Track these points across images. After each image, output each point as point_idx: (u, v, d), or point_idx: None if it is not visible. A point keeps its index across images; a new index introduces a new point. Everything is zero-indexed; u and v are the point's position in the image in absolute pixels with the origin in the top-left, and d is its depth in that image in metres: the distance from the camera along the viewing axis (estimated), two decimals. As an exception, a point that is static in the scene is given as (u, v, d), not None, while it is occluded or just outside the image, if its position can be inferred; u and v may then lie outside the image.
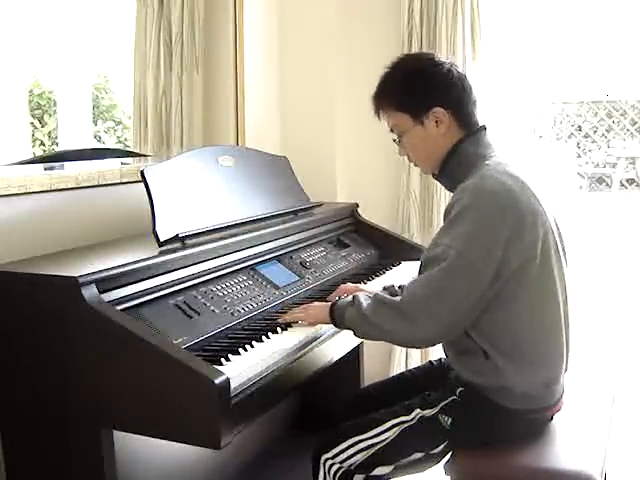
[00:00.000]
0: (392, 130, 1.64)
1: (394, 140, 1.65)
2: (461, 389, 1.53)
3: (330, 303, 1.58)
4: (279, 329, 1.55)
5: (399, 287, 1.84)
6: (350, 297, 1.54)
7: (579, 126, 8.73)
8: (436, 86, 1.56)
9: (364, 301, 1.50)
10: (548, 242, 1.47)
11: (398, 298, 1.46)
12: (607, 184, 8.55)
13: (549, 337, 1.50)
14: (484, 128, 1.59)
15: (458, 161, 1.56)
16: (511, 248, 1.40)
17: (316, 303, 1.68)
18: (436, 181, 1.69)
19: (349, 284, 1.85)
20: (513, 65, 2.76)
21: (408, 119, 1.58)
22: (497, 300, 1.43)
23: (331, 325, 1.58)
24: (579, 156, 8.65)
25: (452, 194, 1.53)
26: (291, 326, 1.59)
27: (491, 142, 1.59)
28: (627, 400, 2.73)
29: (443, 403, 1.53)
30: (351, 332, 1.54)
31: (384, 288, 1.86)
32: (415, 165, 1.70)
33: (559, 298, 1.49)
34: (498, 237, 1.39)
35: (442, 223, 1.52)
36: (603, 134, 8.71)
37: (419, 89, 1.57)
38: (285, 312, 1.66)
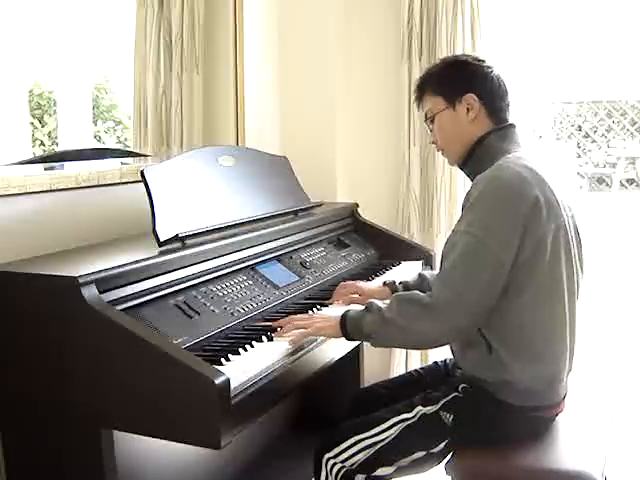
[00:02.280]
0: (426, 116, 1.68)
1: (425, 123, 1.69)
2: (464, 385, 1.53)
3: (339, 315, 1.53)
4: (279, 329, 1.54)
5: (400, 283, 1.85)
6: (362, 306, 1.52)
7: (579, 126, 8.74)
8: (473, 75, 1.61)
9: (382, 305, 1.48)
10: (559, 238, 1.47)
11: (425, 295, 1.44)
12: (607, 184, 8.56)
13: (553, 334, 1.49)
14: (513, 126, 1.62)
15: (483, 152, 1.58)
16: (527, 236, 1.41)
17: (323, 314, 1.65)
18: (461, 172, 1.71)
19: (348, 282, 1.85)
20: (513, 65, 2.76)
21: (441, 101, 1.62)
22: (506, 291, 1.43)
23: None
24: (579, 156, 8.65)
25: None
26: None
27: (519, 141, 1.60)
28: (628, 401, 2.73)
29: (445, 400, 1.53)
30: (368, 343, 1.51)
31: (384, 284, 1.86)
32: (442, 154, 1.71)
33: (564, 296, 1.49)
34: (515, 224, 1.41)
35: (454, 218, 1.53)
36: (603, 134, 8.72)
37: (457, 75, 1.63)
38: (285, 313, 1.64)
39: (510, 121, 1.62)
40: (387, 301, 1.50)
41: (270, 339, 1.48)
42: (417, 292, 1.48)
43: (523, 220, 1.41)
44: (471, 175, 1.62)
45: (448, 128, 1.63)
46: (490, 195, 1.44)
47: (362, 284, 1.86)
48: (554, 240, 1.46)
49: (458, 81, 1.61)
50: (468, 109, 1.59)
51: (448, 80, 1.63)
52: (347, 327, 1.51)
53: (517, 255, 1.41)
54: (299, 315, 1.60)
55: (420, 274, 1.86)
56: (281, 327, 1.54)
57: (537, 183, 1.45)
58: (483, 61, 1.65)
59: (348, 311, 1.53)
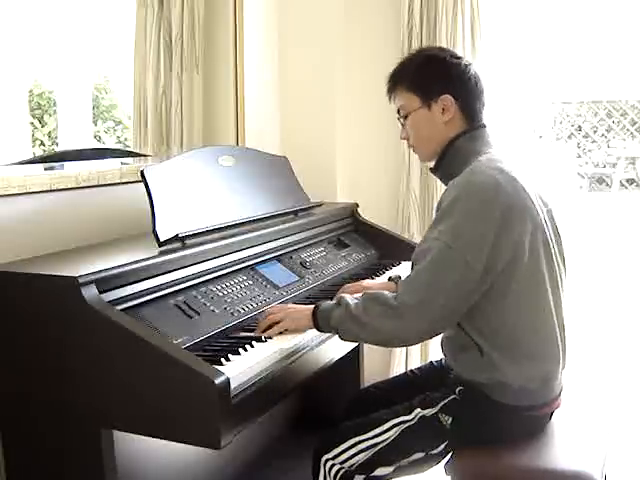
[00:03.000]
0: (399, 112, 1.66)
1: (398, 119, 1.67)
2: (460, 388, 1.53)
3: (312, 306, 1.54)
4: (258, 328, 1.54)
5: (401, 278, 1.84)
6: (335, 299, 1.52)
7: (579, 126, 8.74)
8: (451, 75, 1.59)
9: (351, 301, 1.48)
10: (537, 238, 1.47)
11: (390, 294, 1.46)
12: (607, 184, 8.55)
13: (541, 332, 1.50)
14: (483, 126, 1.61)
15: (453, 155, 1.58)
16: (501, 241, 1.41)
17: (294, 305, 1.65)
18: (434, 176, 1.70)
19: (353, 283, 1.85)
20: (513, 65, 2.76)
21: (417, 100, 1.60)
22: (489, 294, 1.44)
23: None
24: (579, 156, 8.65)
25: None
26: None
27: (491, 141, 1.60)
28: (627, 400, 2.73)
29: (443, 402, 1.53)
30: (336, 336, 1.52)
31: (389, 279, 1.86)
32: (413, 151, 1.70)
33: (548, 294, 1.50)
34: (486, 229, 1.40)
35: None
36: (603, 134, 8.71)
37: (434, 73, 1.60)
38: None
39: (481, 122, 1.61)
40: (358, 295, 1.51)
41: (270, 338, 1.49)
42: (385, 292, 1.47)
43: (496, 226, 1.40)
44: (443, 179, 1.64)
45: (421, 127, 1.62)
46: (462, 202, 1.43)
47: (367, 283, 1.86)
48: (532, 240, 1.46)
49: (435, 81, 1.59)
50: (444, 109, 1.58)
51: (425, 79, 1.60)
52: (317, 319, 1.52)
53: (493, 259, 1.40)
54: (274, 306, 1.62)
55: None
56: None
57: (510, 186, 1.45)
58: (460, 59, 1.62)
59: (321, 303, 1.54)
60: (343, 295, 1.52)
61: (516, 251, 1.43)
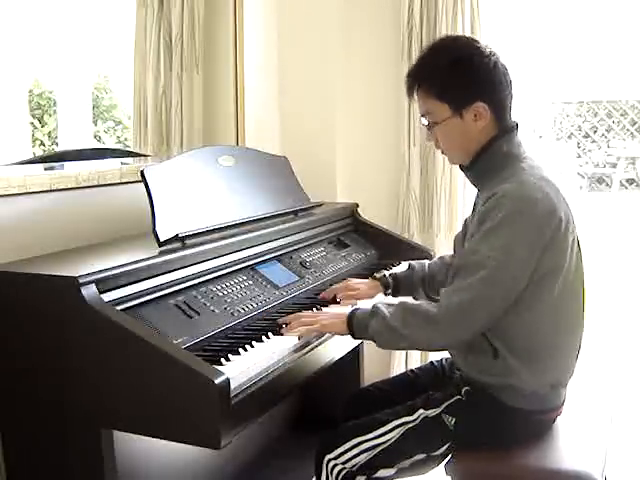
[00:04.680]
0: (424, 115, 1.56)
1: (424, 125, 1.58)
2: (466, 388, 1.53)
3: (347, 313, 1.53)
4: (285, 326, 1.54)
5: (390, 275, 1.84)
6: (369, 307, 1.51)
7: (579, 126, 8.73)
8: (482, 80, 1.49)
9: (386, 310, 1.46)
10: (574, 250, 1.48)
11: (431, 307, 1.44)
12: (607, 184, 8.55)
13: (567, 339, 1.51)
14: (517, 127, 1.56)
15: (490, 158, 1.52)
16: (546, 255, 1.41)
17: (328, 311, 1.65)
18: (462, 172, 1.63)
19: (338, 285, 1.84)
20: (513, 65, 2.75)
21: (447, 109, 1.51)
22: (520, 302, 1.43)
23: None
24: (579, 156, 8.64)
25: (482, 193, 1.52)
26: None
27: (521, 141, 1.56)
28: (628, 401, 2.73)
29: (447, 403, 1.53)
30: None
31: (374, 278, 1.86)
32: (442, 153, 1.62)
33: (580, 301, 1.51)
34: (536, 246, 1.40)
35: (472, 221, 1.51)
36: (603, 134, 8.71)
37: (465, 81, 1.49)
38: (285, 313, 1.64)
39: (513, 120, 1.56)
40: (391, 300, 1.50)
41: (267, 337, 1.48)
42: (423, 303, 1.48)
43: (546, 241, 1.40)
44: (476, 181, 1.59)
45: (454, 136, 1.54)
46: (516, 218, 1.40)
47: (352, 282, 1.85)
48: (571, 253, 1.46)
49: (466, 88, 1.49)
50: (476, 115, 1.50)
51: (454, 88, 1.49)
52: (354, 327, 1.51)
53: (535, 271, 1.41)
54: (306, 312, 1.61)
55: (410, 265, 1.86)
56: (286, 324, 1.54)
57: (557, 198, 1.44)
58: (488, 56, 1.50)
59: (356, 309, 1.53)
60: (378, 305, 1.49)
61: (558, 264, 1.44)
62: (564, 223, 1.43)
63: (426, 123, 1.57)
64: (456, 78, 1.49)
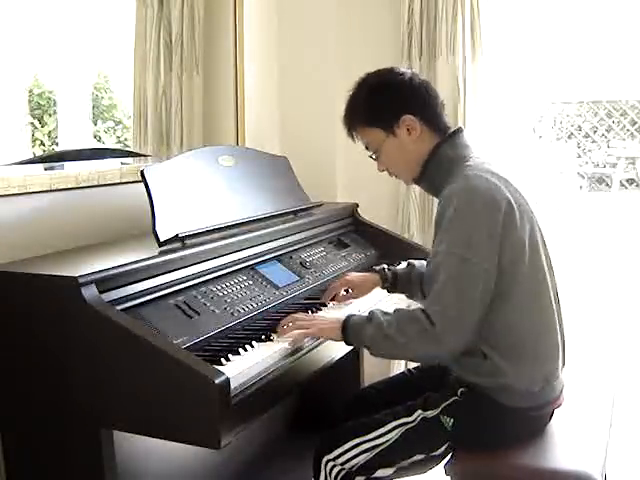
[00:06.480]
0: (367, 148, 1.66)
1: (370, 156, 1.66)
2: (462, 389, 1.53)
3: (341, 319, 1.52)
4: (281, 328, 1.54)
5: (389, 269, 1.84)
6: (366, 313, 1.51)
7: (579, 126, 8.73)
8: (400, 94, 1.58)
9: (382, 318, 1.46)
10: (535, 238, 1.49)
11: (421, 313, 1.42)
12: (607, 184, 8.55)
13: (544, 333, 1.50)
14: (460, 130, 1.61)
15: (438, 165, 1.58)
16: (505, 241, 1.42)
17: (323, 315, 1.65)
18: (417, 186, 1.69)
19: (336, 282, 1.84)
20: (513, 65, 2.76)
21: (380, 132, 1.60)
22: (497, 297, 1.44)
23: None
24: (579, 156, 8.65)
25: (438, 199, 1.54)
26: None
27: (469, 143, 1.60)
28: (628, 400, 2.73)
29: (445, 404, 1.53)
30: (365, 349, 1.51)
31: (374, 270, 1.86)
32: (396, 177, 1.70)
33: (550, 293, 1.51)
34: (494, 231, 1.41)
35: (433, 230, 1.53)
36: (603, 134, 8.71)
37: (385, 101, 1.58)
38: (285, 313, 1.64)
39: (454, 126, 1.61)
40: (388, 302, 1.50)
41: (270, 339, 1.48)
42: (416, 310, 1.46)
43: (500, 227, 1.41)
44: (430, 190, 1.64)
45: (395, 155, 1.61)
46: (465, 209, 1.43)
47: (350, 277, 1.84)
48: (531, 240, 1.47)
49: (389, 107, 1.58)
50: (409, 129, 1.57)
51: (378, 110, 1.58)
52: (348, 334, 1.50)
53: (501, 260, 1.42)
54: (301, 314, 1.60)
55: (409, 262, 1.87)
56: (283, 326, 1.54)
57: (505, 187, 1.46)
58: (403, 74, 1.60)
59: (351, 317, 1.52)
60: (374, 311, 1.49)
61: (517, 251, 1.44)
62: (517, 210, 1.44)
63: (371, 154, 1.65)
64: (377, 102, 1.59)
